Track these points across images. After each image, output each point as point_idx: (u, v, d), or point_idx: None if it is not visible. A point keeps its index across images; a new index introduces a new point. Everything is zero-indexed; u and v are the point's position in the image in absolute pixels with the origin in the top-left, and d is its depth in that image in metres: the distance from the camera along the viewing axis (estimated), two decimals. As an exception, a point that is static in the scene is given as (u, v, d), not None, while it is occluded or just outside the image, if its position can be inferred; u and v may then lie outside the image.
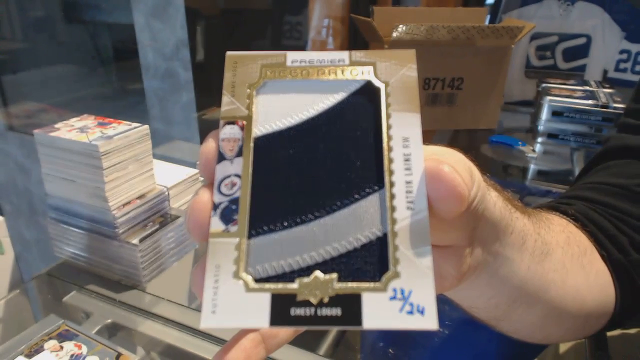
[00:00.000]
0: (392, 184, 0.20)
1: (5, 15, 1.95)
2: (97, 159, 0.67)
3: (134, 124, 0.73)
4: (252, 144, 0.21)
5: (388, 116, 0.21)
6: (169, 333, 0.65)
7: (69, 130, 0.70)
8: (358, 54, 0.23)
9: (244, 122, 0.21)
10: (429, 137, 0.21)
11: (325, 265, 0.19)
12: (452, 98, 1.09)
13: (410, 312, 0.18)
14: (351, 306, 0.18)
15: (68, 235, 0.76)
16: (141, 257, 0.71)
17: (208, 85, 1.53)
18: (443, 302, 0.19)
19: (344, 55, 0.23)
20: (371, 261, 0.19)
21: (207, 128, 1.50)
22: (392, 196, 0.20)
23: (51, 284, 0.77)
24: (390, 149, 0.20)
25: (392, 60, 0.22)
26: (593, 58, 1.34)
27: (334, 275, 0.19)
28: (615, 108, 1.01)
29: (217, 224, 0.19)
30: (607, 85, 1.13)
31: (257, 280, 0.19)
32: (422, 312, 0.18)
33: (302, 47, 1.61)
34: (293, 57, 0.23)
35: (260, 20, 1.78)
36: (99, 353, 0.57)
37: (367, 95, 0.22)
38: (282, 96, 0.22)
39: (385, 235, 0.19)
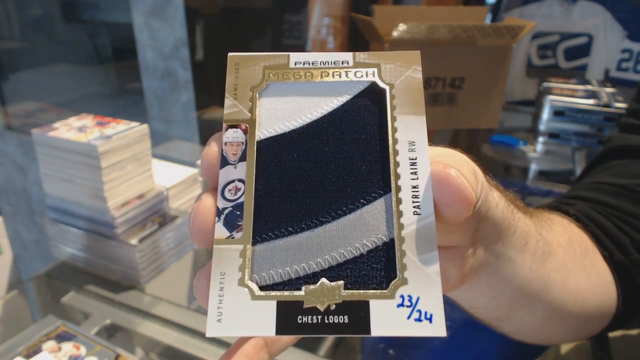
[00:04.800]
0: (398, 189, 0.19)
1: (4, 14, 1.95)
2: (95, 158, 0.66)
3: (133, 124, 0.73)
4: (255, 148, 0.20)
5: (393, 119, 0.21)
6: (168, 334, 0.65)
7: (67, 130, 0.70)
8: (362, 55, 0.22)
9: (247, 126, 0.21)
10: (429, 137, 0.21)
11: (332, 272, 0.19)
12: (453, 97, 1.09)
13: (418, 320, 0.17)
14: (359, 313, 0.18)
15: (66, 236, 0.76)
16: (140, 257, 0.71)
17: (207, 85, 1.53)
18: (444, 304, 0.18)
19: (348, 56, 0.22)
20: (378, 267, 0.19)
21: (206, 127, 1.50)
22: (399, 201, 0.19)
23: (49, 284, 0.76)
24: (396, 153, 0.20)
25: (397, 61, 0.22)
26: (595, 57, 1.34)
27: (341, 282, 0.18)
28: (617, 108, 1.00)
29: (221, 231, 0.19)
30: (609, 85, 1.13)
31: (262, 288, 0.18)
32: (430, 319, 0.17)
33: (302, 47, 1.61)
34: (296, 58, 0.22)
35: (260, 19, 1.78)
36: (97, 354, 0.56)
37: (371, 97, 0.22)
38: (286, 99, 0.22)
39: (392, 240, 0.19)
